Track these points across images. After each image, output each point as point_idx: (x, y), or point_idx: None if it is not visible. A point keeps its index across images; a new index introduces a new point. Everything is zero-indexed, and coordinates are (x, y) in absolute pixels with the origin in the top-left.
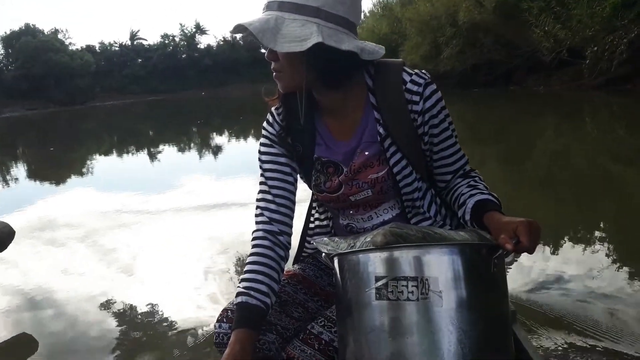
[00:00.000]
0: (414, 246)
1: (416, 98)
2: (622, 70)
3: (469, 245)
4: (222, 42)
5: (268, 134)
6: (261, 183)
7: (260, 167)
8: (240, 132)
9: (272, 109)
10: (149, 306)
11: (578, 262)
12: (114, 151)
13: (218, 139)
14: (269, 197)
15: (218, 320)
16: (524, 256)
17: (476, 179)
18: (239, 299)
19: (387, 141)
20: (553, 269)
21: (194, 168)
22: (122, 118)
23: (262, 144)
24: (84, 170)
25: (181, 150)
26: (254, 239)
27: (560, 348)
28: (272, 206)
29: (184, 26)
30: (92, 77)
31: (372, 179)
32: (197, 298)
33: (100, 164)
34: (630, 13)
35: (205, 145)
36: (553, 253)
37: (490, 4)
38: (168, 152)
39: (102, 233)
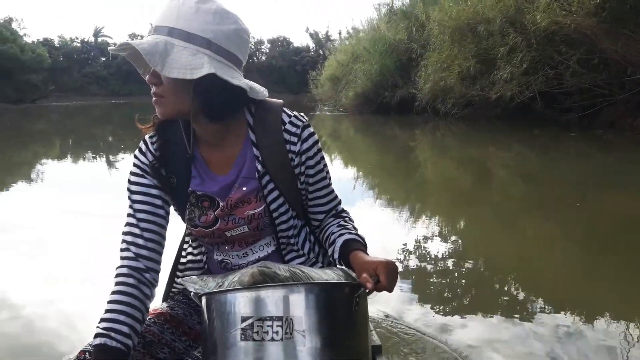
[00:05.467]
0: (279, 286)
1: (294, 139)
2: None
3: (333, 285)
4: None
5: (140, 164)
6: (129, 215)
7: (129, 199)
8: None
9: (146, 137)
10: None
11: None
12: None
13: None
14: (136, 230)
15: None
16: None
17: (346, 219)
18: (98, 341)
19: (265, 178)
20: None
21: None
22: (76, 121)
23: (132, 174)
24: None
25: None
26: (117, 275)
27: None
28: (140, 241)
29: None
30: (48, 73)
31: (248, 215)
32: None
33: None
34: None
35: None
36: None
37: (590, 1)
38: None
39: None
